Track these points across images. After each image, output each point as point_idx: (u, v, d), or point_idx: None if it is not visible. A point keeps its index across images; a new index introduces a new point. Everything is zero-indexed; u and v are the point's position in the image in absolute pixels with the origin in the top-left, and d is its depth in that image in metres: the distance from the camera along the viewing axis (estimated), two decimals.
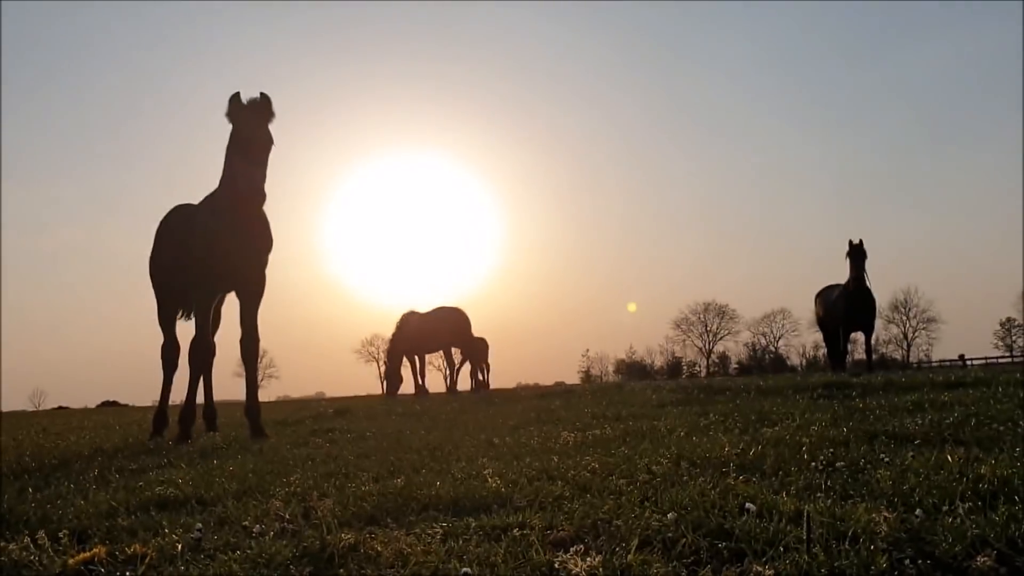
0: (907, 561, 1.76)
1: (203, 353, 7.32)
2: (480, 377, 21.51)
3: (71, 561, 2.27)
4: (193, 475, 4.09)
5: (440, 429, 6.64)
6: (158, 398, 8.08)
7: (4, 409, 31.71)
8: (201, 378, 7.57)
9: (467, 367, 21.91)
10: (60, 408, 37.50)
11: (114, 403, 39.32)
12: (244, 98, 6.71)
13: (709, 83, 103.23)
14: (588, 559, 1.40)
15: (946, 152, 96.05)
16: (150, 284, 7.92)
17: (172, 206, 7.93)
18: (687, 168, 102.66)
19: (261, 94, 6.74)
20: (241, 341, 7.07)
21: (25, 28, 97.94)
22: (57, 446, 6.76)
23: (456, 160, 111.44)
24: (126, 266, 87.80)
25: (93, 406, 37.42)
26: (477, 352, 21.44)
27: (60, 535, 2.56)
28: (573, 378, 58.66)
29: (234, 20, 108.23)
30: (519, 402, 10.39)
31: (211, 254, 6.80)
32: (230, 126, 6.73)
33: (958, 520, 2.05)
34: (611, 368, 77.74)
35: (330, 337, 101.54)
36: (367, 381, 74.37)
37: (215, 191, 6.91)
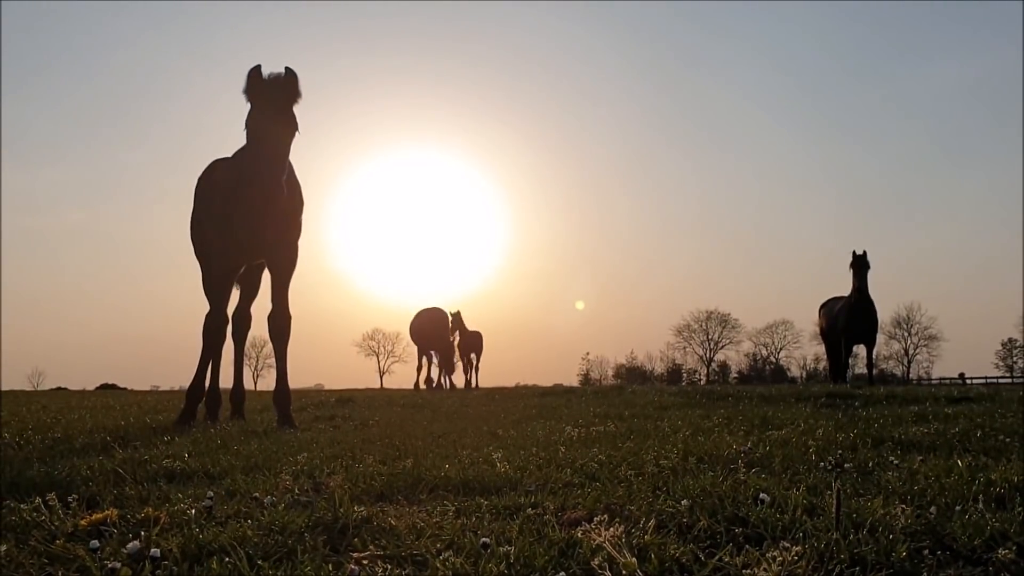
0: (926, 551, 1.76)
1: (218, 329, 6.70)
2: (450, 378, 21.92)
3: (82, 522, 2.27)
4: (198, 451, 4.10)
5: (442, 420, 6.64)
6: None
7: (2, 388, 31.72)
8: (216, 357, 6.92)
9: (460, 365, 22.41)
10: (59, 389, 37.48)
11: (112, 386, 39.33)
12: (265, 73, 5.88)
13: (718, 92, 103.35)
14: (611, 529, 1.39)
15: (953, 169, 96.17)
16: (192, 249, 7.12)
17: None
18: (694, 176, 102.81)
19: (286, 69, 5.90)
20: (269, 318, 6.38)
21: (28, 10, 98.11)
22: (59, 422, 6.75)
23: (464, 158, 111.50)
24: (127, 249, 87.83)
25: (91, 388, 37.41)
26: (450, 354, 21.83)
27: (70, 499, 2.56)
28: (572, 381, 58.56)
29: (247, 7, 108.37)
30: (519, 399, 10.38)
31: (233, 219, 6.15)
32: (248, 105, 5.92)
33: (975, 516, 2.04)
34: (610, 372, 77.74)
35: (331, 329, 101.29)
36: (367, 375, 74.44)
37: (244, 146, 6.13)
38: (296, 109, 5.96)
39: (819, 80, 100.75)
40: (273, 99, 5.84)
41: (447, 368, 21.99)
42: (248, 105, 5.95)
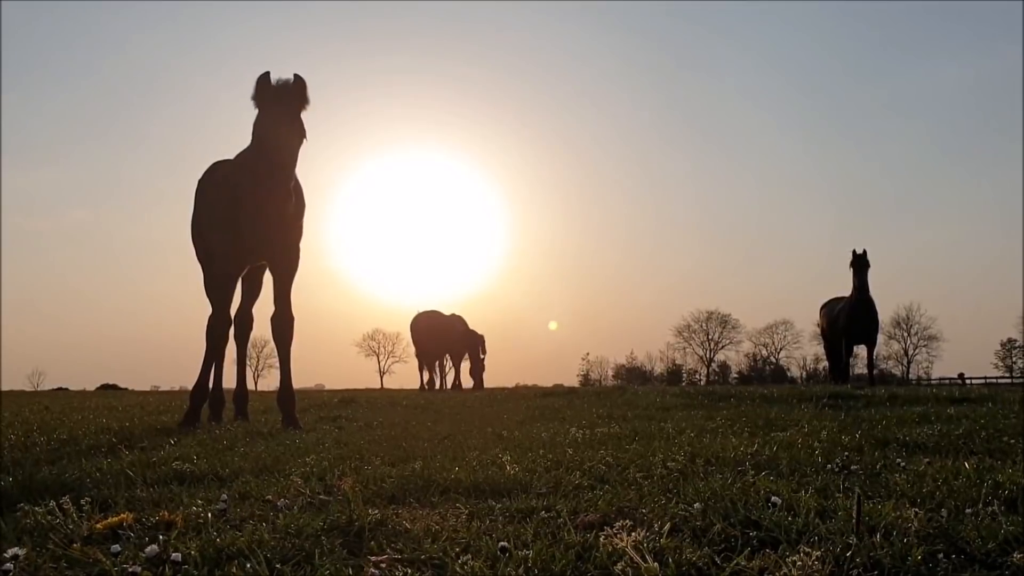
0: (940, 555, 1.78)
1: (222, 331, 6.70)
2: (456, 378, 22.53)
3: (98, 526, 2.28)
4: (206, 453, 4.11)
5: (446, 422, 6.65)
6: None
7: (3, 388, 31.72)
8: (220, 358, 7.00)
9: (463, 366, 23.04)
10: (59, 389, 37.49)
11: (113, 386, 39.35)
12: (274, 79, 5.89)
13: (717, 92, 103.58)
14: (633, 534, 1.41)
15: (953, 169, 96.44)
16: (193, 251, 7.17)
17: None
18: (694, 176, 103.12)
19: (295, 76, 5.91)
20: (272, 320, 6.44)
21: (28, 10, 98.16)
22: (63, 423, 6.75)
23: (465, 159, 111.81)
24: (127, 249, 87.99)
25: (92, 388, 37.41)
26: (445, 356, 22.46)
27: (83, 502, 2.57)
28: (572, 381, 58.71)
29: (246, 7, 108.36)
30: (521, 400, 10.40)
31: (238, 222, 6.15)
32: (256, 110, 5.95)
33: (987, 519, 2.06)
34: (610, 373, 77.89)
35: (331, 330, 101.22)
36: (367, 375, 74.70)
37: (247, 148, 6.20)
38: (304, 115, 5.99)
39: (819, 80, 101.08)
40: (282, 106, 5.87)
41: (454, 364, 22.59)
42: (256, 111, 5.97)
